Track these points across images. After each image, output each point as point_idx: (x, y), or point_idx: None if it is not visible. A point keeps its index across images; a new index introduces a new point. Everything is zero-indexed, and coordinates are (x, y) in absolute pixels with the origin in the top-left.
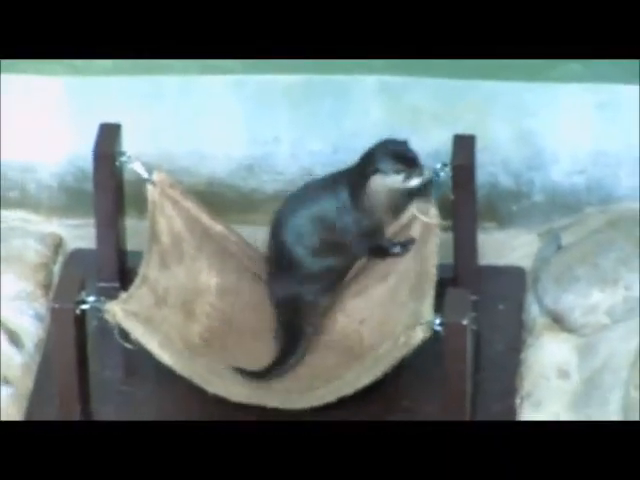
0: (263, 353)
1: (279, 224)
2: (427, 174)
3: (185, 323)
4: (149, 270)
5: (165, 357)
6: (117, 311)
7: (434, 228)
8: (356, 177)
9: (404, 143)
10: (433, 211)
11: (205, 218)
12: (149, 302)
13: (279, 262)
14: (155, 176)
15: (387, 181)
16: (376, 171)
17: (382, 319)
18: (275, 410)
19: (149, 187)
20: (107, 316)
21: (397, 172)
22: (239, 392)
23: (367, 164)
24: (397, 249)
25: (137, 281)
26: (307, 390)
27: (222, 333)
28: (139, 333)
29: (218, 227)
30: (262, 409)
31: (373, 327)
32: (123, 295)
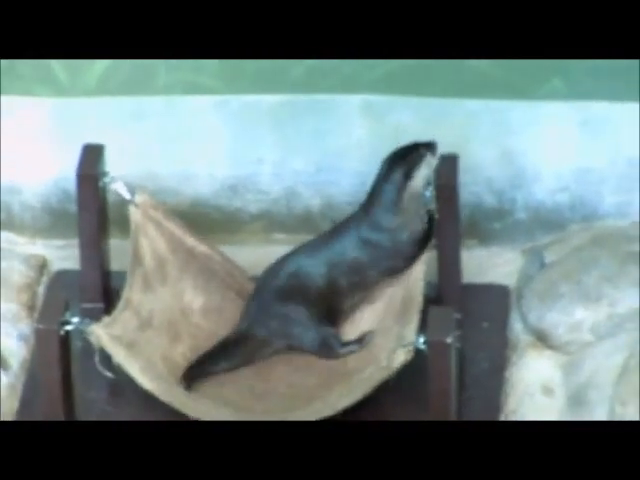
0: (247, 371)
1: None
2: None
3: (170, 344)
4: (132, 293)
5: (146, 382)
6: (101, 335)
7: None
8: (383, 198)
9: (398, 147)
10: None
11: (188, 238)
12: (132, 325)
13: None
14: (137, 198)
15: (422, 173)
16: (409, 173)
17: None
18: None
19: (132, 209)
20: (91, 339)
21: (421, 157)
22: (220, 416)
23: (388, 181)
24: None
25: (120, 305)
26: (288, 410)
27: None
28: (121, 357)
29: (202, 247)
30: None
31: (358, 351)
32: (106, 319)
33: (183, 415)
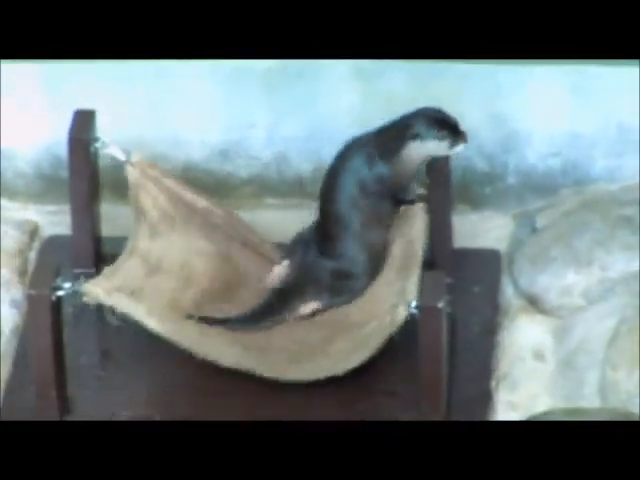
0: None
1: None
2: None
3: (181, 288)
4: (138, 242)
5: (154, 323)
6: (98, 291)
7: (420, 209)
8: (389, 140)
9: (441, 110)
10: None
11: (188, 194)
12: (138, 272)
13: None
14: (134, 157)
15: (429, 147)
16: (416, 136)
17: (369, 298)
18: (258, 398)
19: (129, 168)
20: (87, 298)
21: (441, 138)
22: (230, 354)
23: (404, 128)
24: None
25: (124, 255)
26: (295, 362)
27: (216, 299)
28: (124, 305)
29: (202, 202)
30: (244, 402)
31: (359, 305)
32: (107, 270)
33: (176, 378)
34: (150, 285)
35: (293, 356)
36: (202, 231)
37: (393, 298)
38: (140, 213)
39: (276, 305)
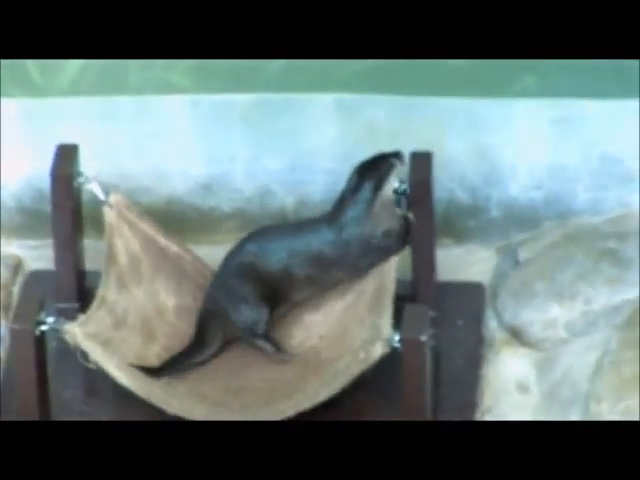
0: (222, 369)
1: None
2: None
3: (144, 344)
4: (107, 292)
5: (123, 379)
6: (76, 333)
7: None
8: (354, 208)
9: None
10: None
11: (161, 239)
12: (107, 324)
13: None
14: (111, 198)
15: (392, 183)
16: (379, 183)
17: (340, 334)
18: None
19: (106, 209)
20: (67, 337)
21: (391, 166)
22: (198, 411)
23: (358, 192)
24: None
25: (95, 303)
26: (265, 404)
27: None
28: (98, 355)
29: (173, 247)
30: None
31: (331, 342)
32: (82, 317)
33: (160, 413)
34: (118, 338)
35: (265, 397)
36: (169, 282)
37: (366, 334)
38: (111, 259)
39: (194, 347)
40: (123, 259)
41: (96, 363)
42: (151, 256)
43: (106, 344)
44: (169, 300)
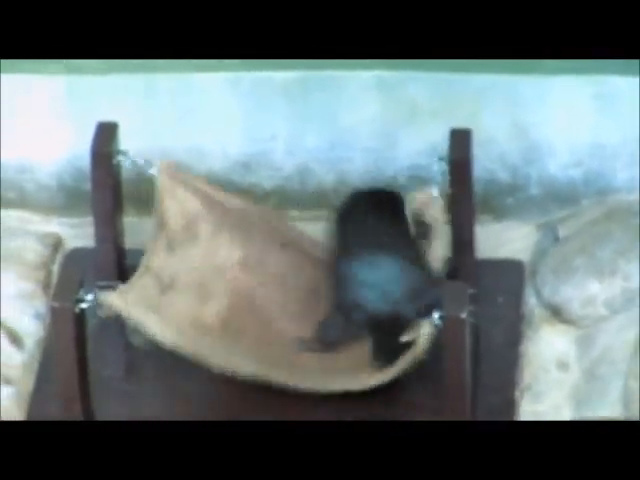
0: (285, 329)
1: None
2: None
3: (199, 306)
4: (152, 259)
5: (168, 337)
6: (116, 301)
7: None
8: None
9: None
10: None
11: (221, 194)
12: (152, 290)
13: None
14: (162, 163)
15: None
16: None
17: None
18: (281, 403)
19: (156, 175)
20: (108, 307)
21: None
22: (246, 367)
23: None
24: None
25: (138, 272)
26: (317, 380)
27: (242, 311)
28: (140, 318)
29: (235, 201)
30: (266, 411)
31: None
32: (122, 286)
33: (200, 389)
34: (165, 302)
35: (317, 375)
36: (234, 235)
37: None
38: (161, 225)
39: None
40: (176, 222)
41: (141, 329)
42: (212, 211)
43: (149, 309)
44: (233, 254)
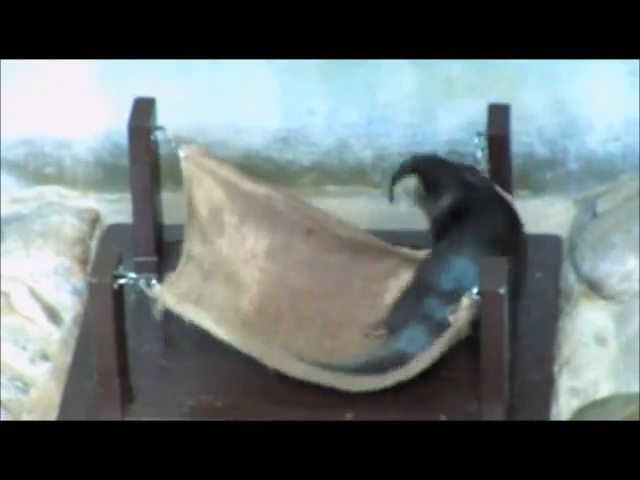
0: (317, 313)
1: None
2: None
3: (234, 295)
4: (192, 246)
5: (221, 333)
6: (166, 297)
7: None
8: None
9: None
10: None
11: (246, 183)
12: (197, 279)
13: None
14: (186, 150)
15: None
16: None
17: None
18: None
19: (183, 162)
20: (156, 299)
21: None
22: (298, 367)
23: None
24: None
25: (183, 259)
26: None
27: (275, 296)
28: (191, 314)
29: (260, 189)
30: (306, 403)
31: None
32: (172, 276)
33: (238, 366)
34: (209, 292)
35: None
36: (260, 224)
37: None
38: (192, 212)
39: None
40: (204, 211)
41: (191, 322)
42: (237, 201)
43: (198, 300)
44: (260, 244)
